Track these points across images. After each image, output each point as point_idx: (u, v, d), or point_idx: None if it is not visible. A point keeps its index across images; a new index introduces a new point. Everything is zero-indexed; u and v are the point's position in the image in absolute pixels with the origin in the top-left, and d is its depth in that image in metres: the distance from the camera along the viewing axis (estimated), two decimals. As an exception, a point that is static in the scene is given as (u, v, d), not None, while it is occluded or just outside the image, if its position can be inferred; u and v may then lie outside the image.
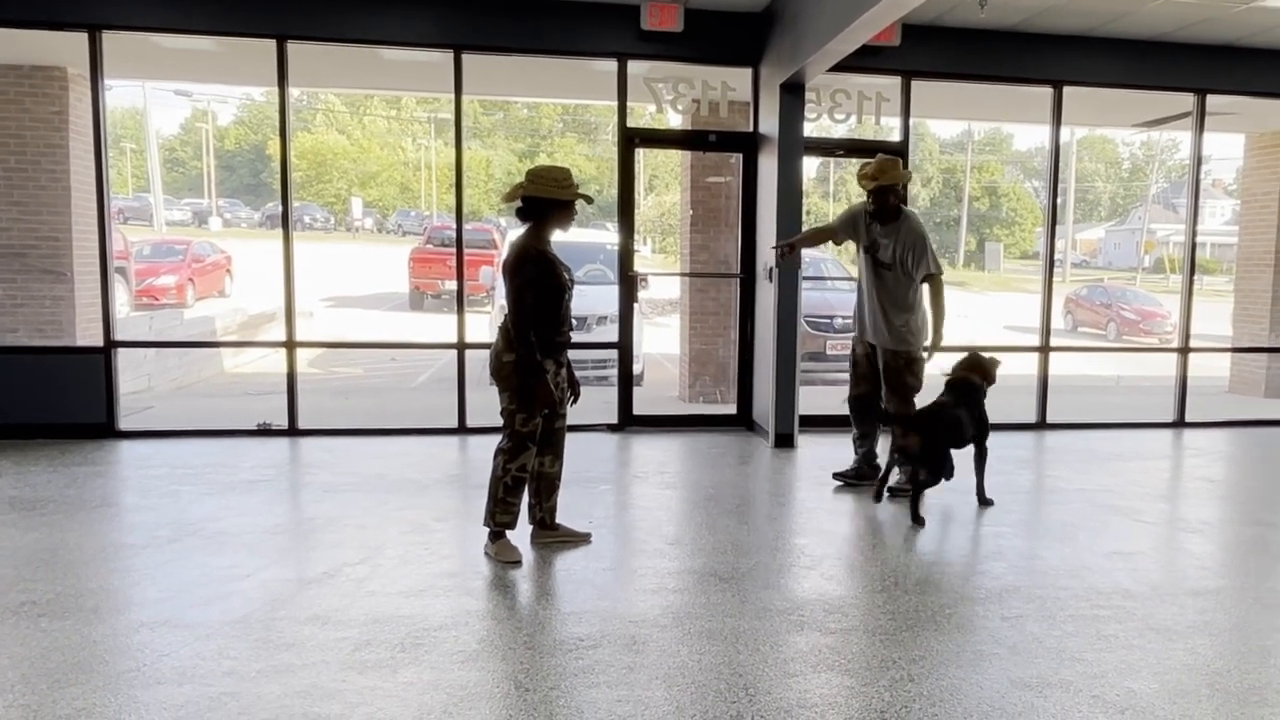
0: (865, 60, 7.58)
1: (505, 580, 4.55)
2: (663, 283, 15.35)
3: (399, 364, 14.46)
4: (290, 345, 8.08)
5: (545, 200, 4.65)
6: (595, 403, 8.48)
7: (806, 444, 7.82)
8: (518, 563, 4.73)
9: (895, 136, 8.55)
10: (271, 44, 7.64)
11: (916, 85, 8.39)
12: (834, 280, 13.44)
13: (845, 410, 6.63)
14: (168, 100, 43.81)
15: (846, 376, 6.70)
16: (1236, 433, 9.02)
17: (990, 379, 6.08)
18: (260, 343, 13.73)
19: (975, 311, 23.35)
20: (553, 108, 44.27)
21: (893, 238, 6.12)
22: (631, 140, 8.41)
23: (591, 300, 10.91)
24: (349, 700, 3.24)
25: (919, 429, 5.72)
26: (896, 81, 8.36)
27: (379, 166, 46.35)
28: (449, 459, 7.43)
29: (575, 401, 5.04)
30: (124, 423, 7.94)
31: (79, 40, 7.51)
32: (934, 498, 6.14)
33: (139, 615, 3.99)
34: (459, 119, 8.15)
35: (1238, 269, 12.54)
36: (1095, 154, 57.94)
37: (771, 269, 7.76)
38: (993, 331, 19.83)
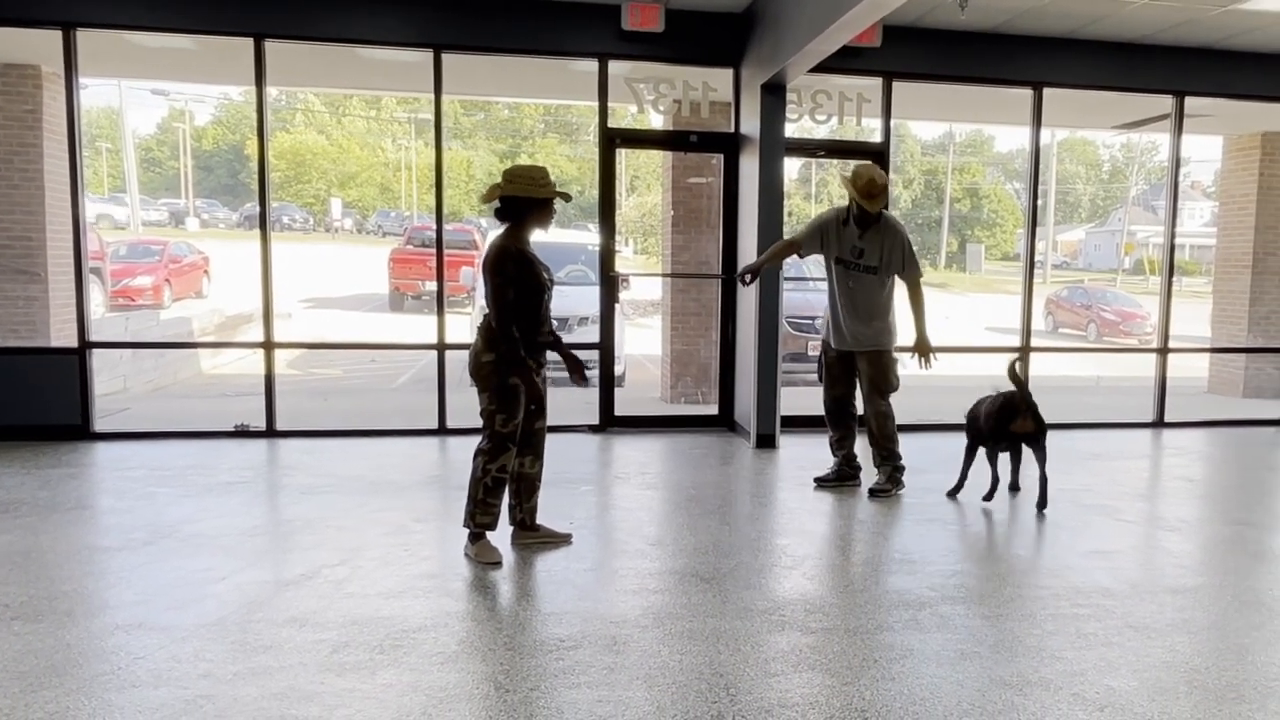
0: (846, 61, 7.60)
1: (485, 581, 4.52)
2: (644, 283, 15.35)
3: (379, 365, 14.39)
4: (268, 346, 8.02)
5: (523, 199, 4.63)
6: (576, 403, 8.47)
7: (788, 444, 7.82)
8: (498, 564, 4.70)
9: (876, 138, 8.56)
10: (249, 43, 7.58)
11: (898, 86, 8.42)
12: (815, 281, 13.45)
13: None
14: (144, 99, 43.63)
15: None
16: (1215, 432, 9.08)
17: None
18: (238, 344, 13.65)
19: (957, 313, 23.47)
20: (534, 108, 44.19)
21: (877, 241, 6.11)
22: (613, 141, 8.39)
23: (573, 301, 10.89)
24: (327, 703, 3.21)
25: (1033, 413, 5.76)
26: (878, 83, 8.38)
27: (358, 167, 46.16)
28: (429, 460, 7.39)
29: (584, 380, 5.03)
30: (99, 424, 7.87)
31: (53, 38, 7.43)
32: (915, 497, 6.16)
33: (114, 618, 3.94)
34: (439, 119, 8.11)
35: (1216, 270, 12.65)
36: (1076, 156, 58.35)
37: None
38: (974, 333, 19.94)
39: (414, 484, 6.47)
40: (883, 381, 6.24)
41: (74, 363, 7.72)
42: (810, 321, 11.85)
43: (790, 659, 3.63)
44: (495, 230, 4.80)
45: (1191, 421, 9.42)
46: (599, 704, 3.22)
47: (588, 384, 4.94)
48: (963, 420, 6.26)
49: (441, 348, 8.18)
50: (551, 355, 4.93)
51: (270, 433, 7.95)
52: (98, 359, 8.02)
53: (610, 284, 8.40)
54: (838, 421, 6.47)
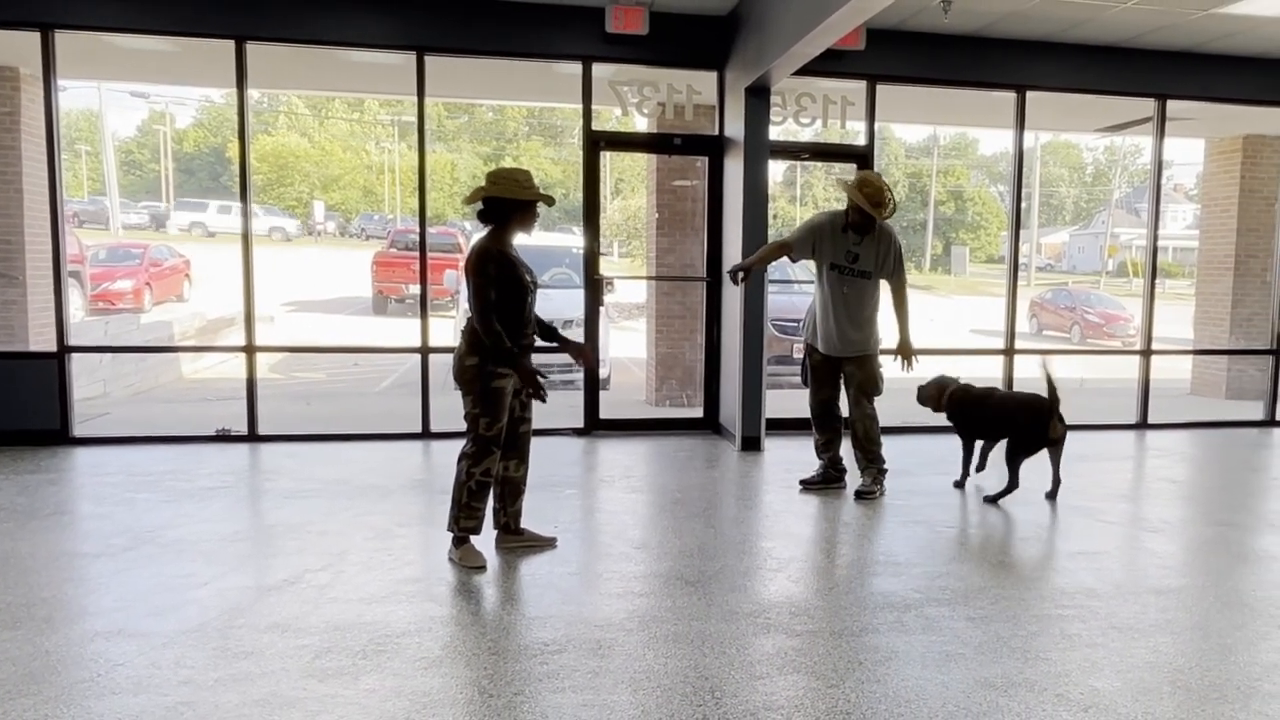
0: (830, 64, 7.61)
1: (470, 586, 4.49)
2: (629, 286, 15.34)
3: (362, 369, 14.32)
4: (250, 350, 7.96)
5: (506, 201, 4.61)
6: (561, 407, 8.43)
7: (773, 447, 7.81)
8: (482, 568, 4.68)
9: (861, 141, 8.57)
10: (230, 45, 7.53)
11: (881, 89, 8.42)
12: (800, 284, 13.48)
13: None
14: (124, 102, 43.33)
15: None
16: (1198, 434, 9.13)
17: None
18: (219, 347, 13.56)
19: (941, 315, 23.55)
20: (518, 111, 44.14)
21: (873, 246, 6.12)
22: (597, 143, 8.37)
23: (558, 304, 10.86)
24: (309, 709, 3.18)
25: (1061, 417, 6.03)
26: (862, 85, 8.38)
27: (341, 170, 45.96)
28: (413, 464, 7.35)
29: (584, 362, 5.13)
30: (79, 429, 7.79)
31: (31, 40, 7.35)
32: (900, 499, 6.17)
33: (93, 625, 3.90)
34: (421, 121, 8.07)
35: (1199, 273, 12.73)
36: (1059, 159, 58.70)
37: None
38: (959, 335, 19.99)
39: (398, 488, 6.43)
40: (871, 385, 6.26)
41: (53, 367, 7.64)
42: (795, 324, 11.87)
43: (775, 662, 3.62)
44: (479, 233, 4.78)
45: (1175, 423, 9.47)
46: (583, 708, 3.20)
47: (596, 364, 4.93)
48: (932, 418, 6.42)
49: (425, 351, 8.14)
50: (539, 358, 4.91)
51: (252, 437, 7.89)
52: (77, 363, 7.94)
53: (595, 287, 8.38)
54: (824, 425, 6.47)
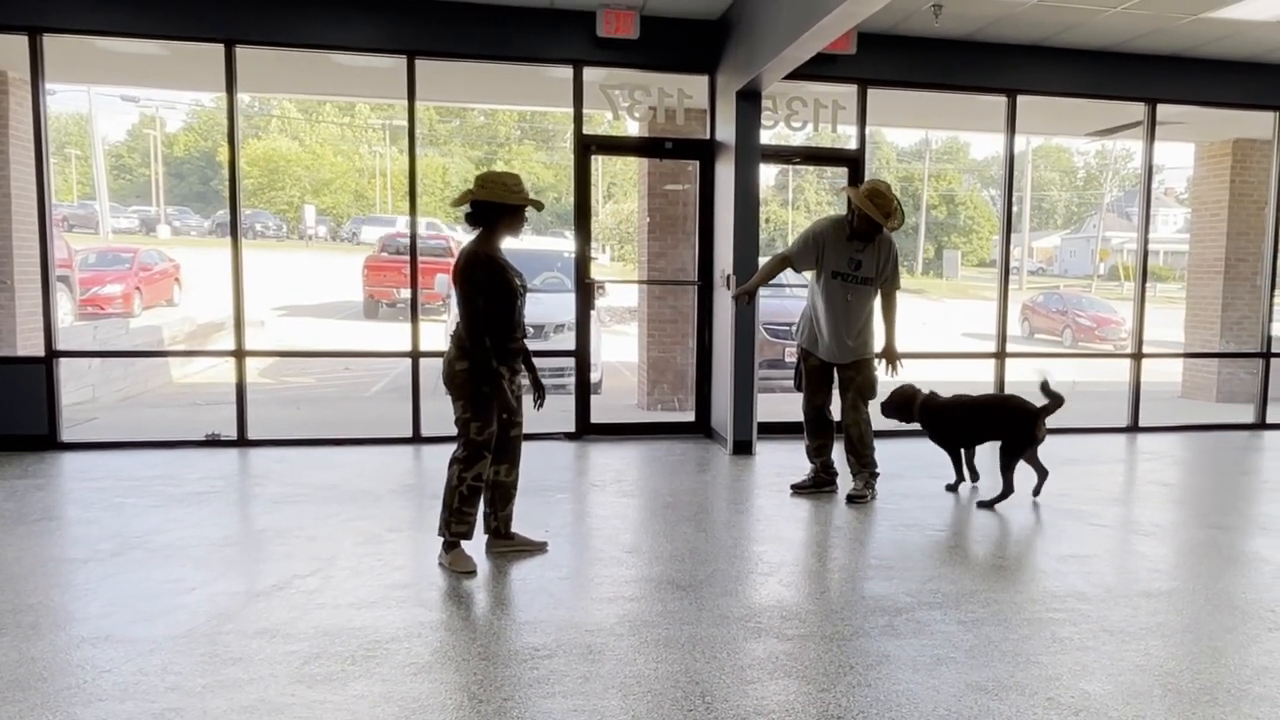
0: (821, 68, 7.62)
1: (460, 591, 4.47)
2: (621, 291, 15.33)
3: (353, 373, 14.30)
4: (239, 354, 7.93)
5: (495, 205, 4.60)
6: (552, 411, 8.39)
7: (765, 451, 7.80)
8: (472, 573, 4.66)
9: (852, 145, 8.58)
10: (219, 48, 7.51)
11: (872, 93, 8.44)
12: (792, 288, 13.48)
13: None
14: (114, 106, 43.18)
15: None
16: (1189, 437, 9.14)
17: None
18: (208, 352, 13.52)
19: (933, 319, 23.58)
20: (509, 115, 44.08)
21: (874, 253, 6.15)
22: (588, 148, 8.36)
23: (549, 308, 10.87)
24: (298, 714, 3.16)
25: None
26: (853, 90, 8.40)
27: (333, 173, 45.84)
28: (403, 469, 7.32)
29: (541, 404, 4.92)
30: (66, 434, 7.76)
31: (18, 43, 7.32)
32: (891, 503, 6.17)
33: (80, 631, 3.87)
34: (412, 125, 8.05)
35: (1189, 276, 12.78)
36: (1051, 163, 58.82)
37: (729, 277, 7.74)
38: (951, 338, 20.02)
39: (388, 493, 6.41)
40: (869, 390, 6.29)
41: (40, 372, 7.60)
42: (786, 328, 11.87)
43: (766, 666, 3.61)
44: (470, 237, 4.76)
45: (1165, 426, 9.49)
46: (574, 713, 3.19)
47: (540, 407, 4.88)
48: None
49: (416, 355, 8.11)
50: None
51: (242, 442, 7.86)
52: (65, 368, 7.91)
53: (586, 291, 8.37)
54: (817, 429, 6.47)
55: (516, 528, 5.08)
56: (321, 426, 8.96)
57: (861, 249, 6.14)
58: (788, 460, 7.27)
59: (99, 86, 28.03)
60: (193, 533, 5.32)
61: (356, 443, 8.03)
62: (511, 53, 7.92)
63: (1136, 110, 9.23)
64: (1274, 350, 9.94)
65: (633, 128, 9.38)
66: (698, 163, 8.63)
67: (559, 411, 8.41)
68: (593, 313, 8.54)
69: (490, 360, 4.54)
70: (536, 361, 4.91)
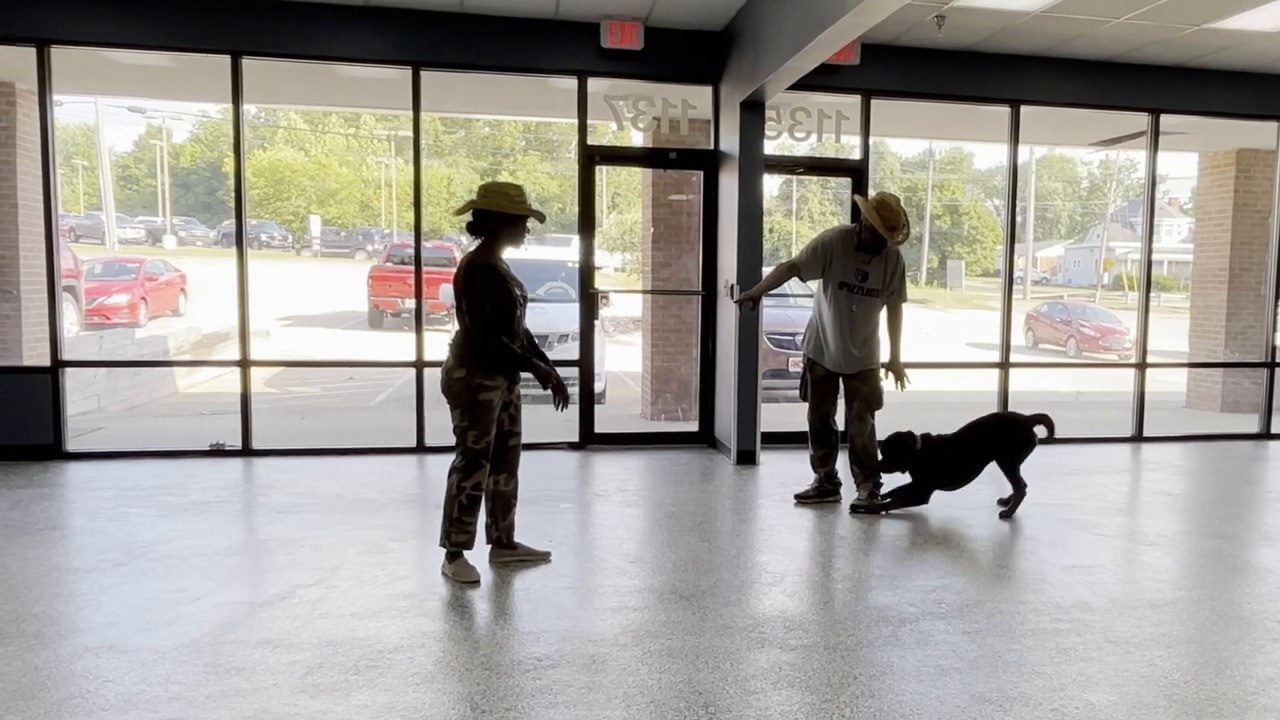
0: (825, 79, 7.64)
1: (463, 600, 4.47)
2: (625, 300, 15.32)
3: (357, 383, 14.30)
4: (244, 364, 7.95)
5: (497, 215, 4.61)
6: (556, 420, 8.41)
7: (768, 461, 7.80)
8: (475, 583, 4.66)
9: (855, 155, 8.59)
10: (226, 60, 7.54)
11: (876, 104, 8.45)
12: (796, 297, 13.50)
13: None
14: (121, 117, 43.40)
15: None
16: (1193, 447, 9.12)
17: None
18: (213, 362, 13.50)
19: (937, 329, 23.58)
20: (514, 125, 44.22)
21: (881, 265, 6.16)
22: (592, 158, 8.38)
23: (553, 317, 10.88)
24: (299, 725, 3.16)
25: None
26: (856, 100, 8.42)
27: (338, 184, 45.99)
28: (407, 478, 7.32)
29: (564, 406, 4.80)
30: (72, 444, 7.77)
31: (27, 55, 7.36)
32: (895, 514, 6.17)
33: (83, 640, 3.87)
34: (417, 136, 8.08)
35: (1193, 286, 12.76)
36: (1054, 173, 58.90)
37: (733, 286, 7.75)
38: (955, 348, 20.03)
39: (391, 503, 6.41)
40: (874, 400, 6.29)
41: (47, 382, 7.61)
42: (790, 338, 11.87)
43: (770, 676, 3.60)
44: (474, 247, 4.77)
45: (1170, 436, 9.48)
46: (576, 724, 3.19)
47: (562, 407, 4.83)
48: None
49: (420, 365, 8.12)
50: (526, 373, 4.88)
51: (246, 451, 7.87)
52: (71, 378, 7.92)
53: (590, 301, 8.38)
54: (822, 439, 6.46)
55: (520, 538, 5.08)
56: (326, 436, 8.96)
57: (868, 261, 6.15)
58: (791, 470, 7.27)
59: (107, 97, 28.07)
60: (197, 542, 5.32)
61: (361, 452, 8.04)
62: (516, 64, 7.94)
63: (1140, 120, 9.23)
64: (1278, 360, 9.91)
65: (637, 138, 9.40)
66: (701, 173, 8.64)
67: (562, 421, 8.41)
68: (597, 323, 8.55)
69: (510, 349, 4.58)
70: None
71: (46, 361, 7.71)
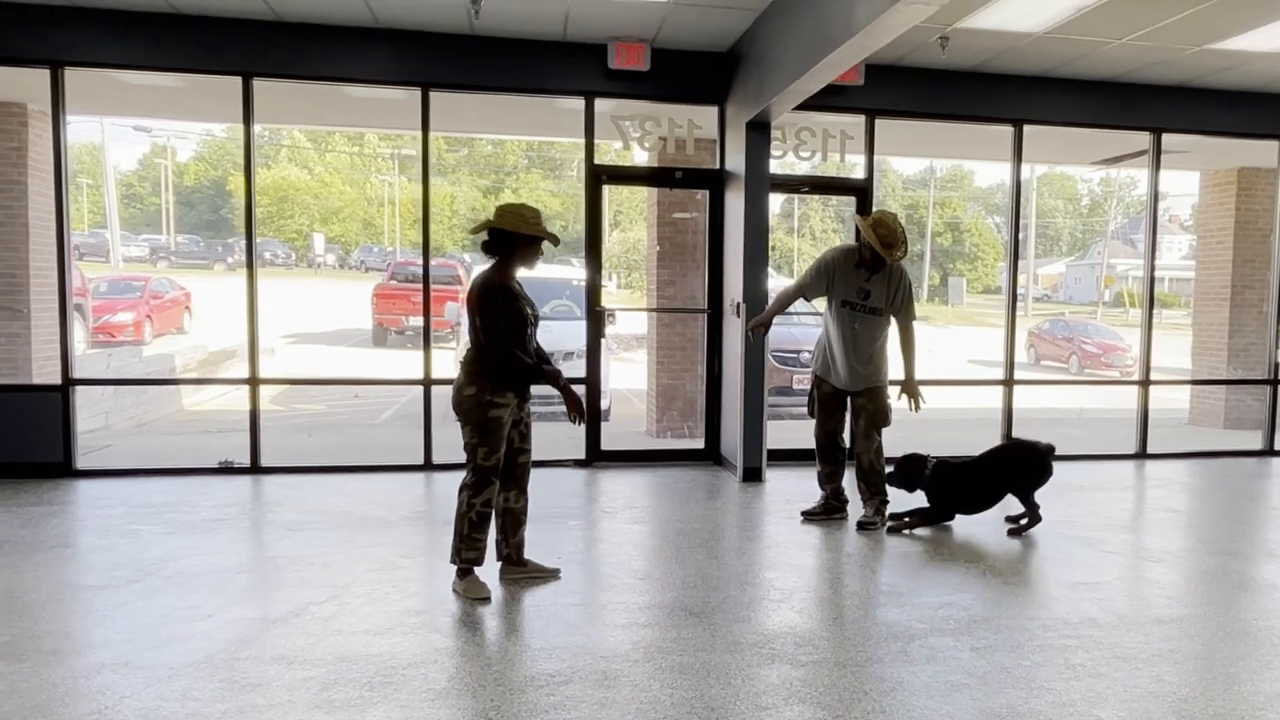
0: (830, 99, 7.70)
1: (474, 617, 4.50)
2: (628, 318, 15.39)
3: (361, 400, 14.34)
4: (254, 382, 7.99)
5: (512, 235, 4.67)
6: (562, 438, 8.48)
7: (775, 478, 7.83)
8: (486, 599, 4.69)
9: (859, 174, 8.65)
10: (237, 81, 7.61)
11: (880, 123, 8.52)
12: (800, 315, 13.54)
13: (813, 444, 6.64)
14: (126, 135, 43.59)
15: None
16: (1197, 464, 9.15)
17: None
18: (223, 380, 13.60)
19: (940, 346, 23.61)
20: (517, 144, 44.36)
21: (883, 283, 6.20)
22: (599, 178, 8.44)
23: (557, 335, 10.91)
24: (316, 741, 3.19)
25: None
26: (860, 120, 8.48)
27: (341, 202, 46.14)
28: (415, 495, 7.36)
29: (580, 420, 4.88)
30: (81, 461, 7.80)
31: (38, 76, 7.43)
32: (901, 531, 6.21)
33: (99, 657, 3.90)
34: (426, 156, 8.14)
35: (1195, 303, 12.81)
36: (1055, 190, 59.04)
37: (739, 305, 7.80)
38: (957, 366, 20.06)
39: (400, 520, 6.44)
40: (881, 417, 6.33)
41: (57, 400, 7.65)
42: (795, 355, 11.92)
43: (781, 692, 3.63)
44: (480, 265, 4.84)
45: (1174, 453, 9.50)
46: (590, 740, 3.21)
47: (579, 422, 4.88)
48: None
49: (428, 383, 8.16)
50: (536, 389, 4.94)
51: (255, 469, 7.90)
52: (80, 396, 7.96)
53: (597, 318, 8.43)
54: (829, 456, 6.50)
55: (528, 554, 5.11)
56: (333, 453, 8.99)
57: (869, 278, 6.20)
58: (797, 487, 7.30)
59: (114, 117, 28.25)
60: (208, 559, 5.35)
61: (369, 470, 8.07)
62: (524, 84, 8.01)
63: (1142, 139, 9.29)
64: (1282, 377, 9.95)
65: (640, 157, 9.46)
66: (707, 192, 8.70)
67: (568, 438, 8.47)
68: (603, 340, 8.59)
69: (525, 362, 4.65)
70: (545, 390, 4.93)
71: (55, 379, 7.76)
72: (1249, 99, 9.11)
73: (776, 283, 7.98)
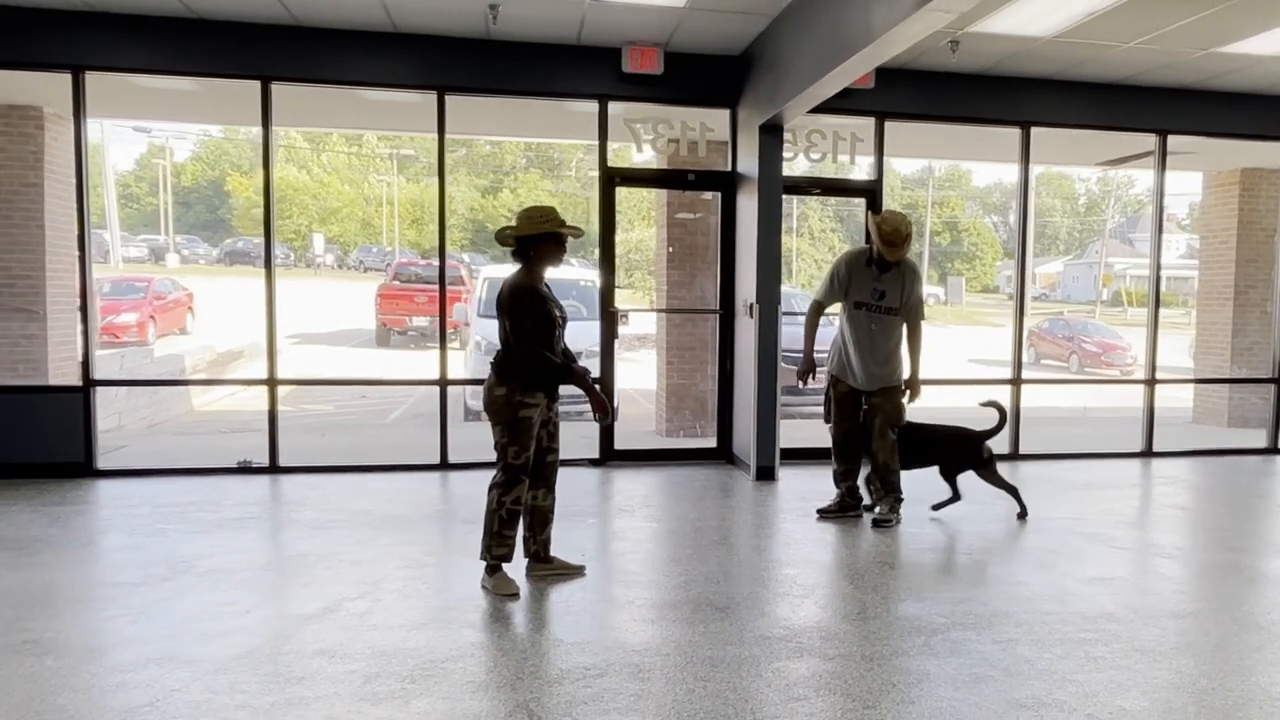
0: (840, 101, 7.76)
1: (504, 612, 4.60)
2: (637, 319, 15.48)
3: (370, 400, 14.43)
4: (271, 383, 8.09)
5: (534, 237, 4.79)
6: (574, 437, 8.56)
7: (787, 476, 7.93)
8: (515, 595, 4.78)
9: (868, 175, 8.75)
10: (256, 85, 7.70)
11: (889, 126, 8.62)
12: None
13: (826, 442, 6.75)
14: (124, 136, 43.57)
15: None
16: (1202, 462, 9.26)
17: None
18: (242, 380, 13.67)
19: (939, 345, 23.69)
20: (515, 144, 44.40)
21: (897, 282, 6.32)
22: (613, 180, 8.53)
23: (567, 335, 10.99)
24: (365, 732, 3.28)
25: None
26: (870, 122, 8.59)
27: (340, 202, 46.19)
28: (433, 494, 7.45)
29: (607, 418, 5.16)
30: (101, 461, 7.88)
31: (56, 80, 7.52)
32: (916, 527, 6.30)
33: (143, 651, 3.99)
34: (442, 159, 8.22)
35: (1198, 302, 12.93)
36: (1053, 189, 59.19)
37: (751, 305, 7.90)
38: (957, 364, 20.15)
39: (422, 518, 6.54)
40: (895, 416, 6.44)
41: (78, 400, 7.73)
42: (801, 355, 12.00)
43: (812, 684, 3.73)
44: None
45: (1179, 451, 9.60)
46: (632, 729, 3.31)
47: (610, 420, 5.03)
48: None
49: (444, 383, 8.25)
50: (565, 389, 5.05)
51: (274, 469, 7.99)
52: (97, 396, 8.05)
53: (610, 319, 8.52)
54: (846, 455, 6.60)
55: (552, 552, 5.21)
56: (348, 453, 9.08)
57: (880, 276, 6.30)
58: (810, 486, 7.40)
59: (129, 120, 28.32)
60: (238, 557, 5.44)
61: (386, 469, 8.16)
62: (539, 88, 8.10)
63: (1147, 141, 9.40)
64: (1285, 376, 10.06)
65: (641, 158, 9.52)
66: (719, 194, 8.79)
67: (581, 438, 8.56)
68: (615, 340, 8.68)
69: (552, 362, 4.77)
70: (567, 390, 5.05)
71: (78, 380, 7.84)
72: (1254, 101, 9.22)
73: (781, 284, 8.06)
